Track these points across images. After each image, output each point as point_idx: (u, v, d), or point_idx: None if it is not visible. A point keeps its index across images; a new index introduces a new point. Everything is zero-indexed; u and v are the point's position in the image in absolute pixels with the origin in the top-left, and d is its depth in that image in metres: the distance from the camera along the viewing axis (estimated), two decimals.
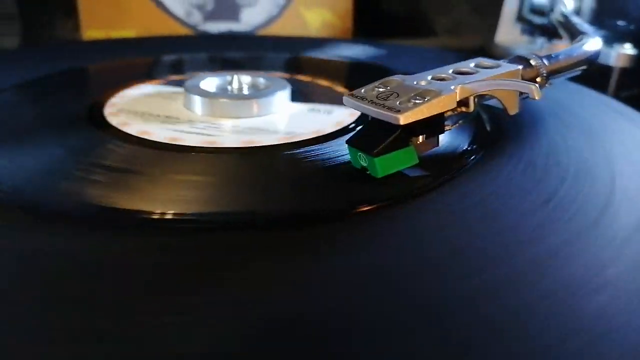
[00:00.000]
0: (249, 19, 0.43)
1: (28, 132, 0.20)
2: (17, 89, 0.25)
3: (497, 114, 0.22)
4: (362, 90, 0.17)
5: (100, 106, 0.22)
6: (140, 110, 0.22)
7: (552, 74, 0.20)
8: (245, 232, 0.14)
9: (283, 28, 0.44)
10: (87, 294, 0.11)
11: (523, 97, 0.18)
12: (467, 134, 0.20)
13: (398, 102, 0.16)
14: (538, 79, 0.19)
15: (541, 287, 0.12)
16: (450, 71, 0.18)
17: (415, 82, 0.17)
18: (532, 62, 0.19)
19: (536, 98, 0.16)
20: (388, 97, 0.16)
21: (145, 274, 0.12)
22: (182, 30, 0.42)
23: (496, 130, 0.21)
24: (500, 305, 0.11)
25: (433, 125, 0.17)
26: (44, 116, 0.22)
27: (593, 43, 0.23)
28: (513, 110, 0.18)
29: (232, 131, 0.20)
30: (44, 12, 0.42)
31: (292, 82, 0.24)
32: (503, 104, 0.18)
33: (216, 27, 0.42)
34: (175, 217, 0.14)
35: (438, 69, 0.18)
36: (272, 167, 0.18)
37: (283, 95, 0.23)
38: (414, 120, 0.15)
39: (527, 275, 0.13)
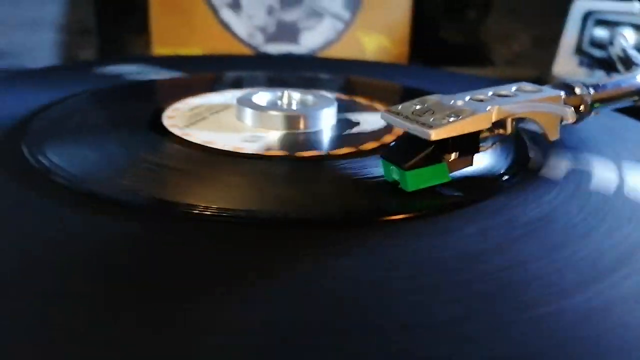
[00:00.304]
0: (308, 42, 0.45)
1: (104, 133, 0.22)
2: (91, 95, 0.27)
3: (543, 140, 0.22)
4: (400, 107, 0.17)
5: (159, 113, 0.24)
6: (194, 120, 0.23)
7: (598, 102, 0.20)
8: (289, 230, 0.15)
9: (340, 51, 0.45)
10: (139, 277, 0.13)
11: (563, 123, 0.18)
12: (508, 157, 0.20)
13: (432, 119, 0.16)
14: (582, 107, 0.19)
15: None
16: (490, 93, 0.18)
17: (452, 102, 0.17)
18: (577, 89, 0.19)
19: (570, 121, 0.16)
20: (423, 113, 0.17)
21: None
22: (245, 51, 0.44)
23: (539, 156, 0.21)
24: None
25: (467, 144, 0.17)
26: (112, 120, 0.24)
27: None
28: (553, 135, 0.18)
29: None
30: (120, 29, 0.46)
31: (341, 101, 0.25)
32: (543, 129, 0.18)
33: (276, 48, 0.44)
34: (230, 213, 0.16)
35: (478, 91, 0.18)
36: (310, 175, 0.19)
37: (329, 111, 0.24)
38: (445, 136, 0.16)
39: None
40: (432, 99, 0.18)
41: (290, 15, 0.44)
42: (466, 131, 0.16)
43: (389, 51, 0.46)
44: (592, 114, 0.20)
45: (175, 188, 0.17)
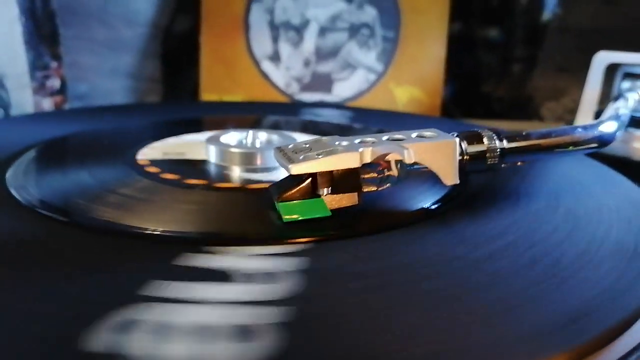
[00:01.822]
0: (341, 92, 0.47)
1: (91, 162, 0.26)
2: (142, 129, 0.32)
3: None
4: (291, 145, 0.19)
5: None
6: (169, 152, 0.26)
7: (516, 152, 0.20)
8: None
9: (371, 101, 0.46)
10: None
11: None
12: (430, 193, 0.20)
13: (302, 156, 0.17)
14: (488, 156, 0.19)
15: None
16: (385, 137, 0.19)
17: (337, 142, 0.18)
18: (484, 139, 0.19)
19: (406, 162, 0.16)
20: (301, 151, 0.18)
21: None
22: (281, 98, 0.47)
23: (464, 194, 0.21)
24: None
25: (345, 182, 0.18)
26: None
27: (606, 125, 0.21)
28: (450, 180, 0.18)
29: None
30: (178, 78, 0.51)
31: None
32: (436, 173, 0.18)
33: (310, 97, 0.47)
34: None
35: (378, 134, 0.19)
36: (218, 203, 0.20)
37: None
38: (305, 172, 0.17)
39: None
40: (323, 139, 0.19)
41: (325, 67, 0.47)
42: (328, 168, 0.17)
43: (421, 102, 0.47)
44: (504, 165, 0.19)
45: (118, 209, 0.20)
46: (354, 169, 0.17)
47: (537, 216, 0.19)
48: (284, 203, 0.17)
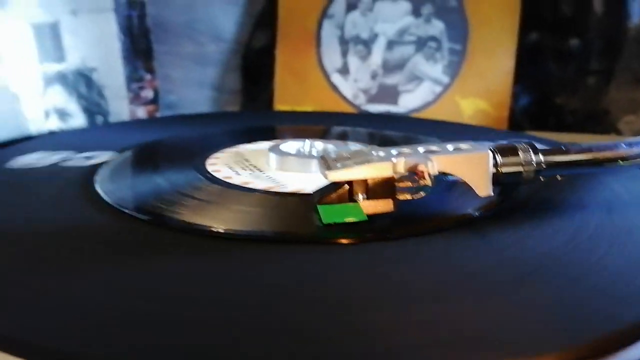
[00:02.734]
0: (406, 103, 0.47)
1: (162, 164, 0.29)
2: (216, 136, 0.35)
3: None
4: (333, 154, 0.20)
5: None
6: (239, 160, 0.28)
7: (554, 167, 0.20)
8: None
9: (437, 113, 0.47)
10: None
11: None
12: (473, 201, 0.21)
13: (340, 164, 0.19)
14: (523, 170, 0.19)
15: None
16: (421, 149, 0.20)
17: (375, 152, 0.19)
18: (520, 152, 0.19)
19: (430, 173, 0.17)
20: (342, 159, 0.19)
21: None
22: (349, 109, 0.48)
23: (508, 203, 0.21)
24: None
25: (380, 190, 0.19)
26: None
27: None
28: (483, 191, 0.19)
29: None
30: (256, 89, 0.54)
31: None
32: (468, 184, 0.19)
33: (376, 108, 0.48)
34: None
35: (414, 145, 0.20)
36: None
37: None
38: (341, 179, 0.18)
39: None
40: (364, 149, 0.20)
41: (392, 79, 0.48)
42: (362, 177, 0.18)
43: (487, 115, 0.46)
44: (541, 178, 0.20)
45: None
46: (389, 177, 0.19)
47: (578, 230, 0.19)
48: (323, 206, 0.19)
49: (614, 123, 0.50)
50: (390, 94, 0.48)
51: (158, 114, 0.55)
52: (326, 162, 0.19)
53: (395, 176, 0.19)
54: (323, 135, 0.37)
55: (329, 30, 0.48)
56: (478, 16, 0.46)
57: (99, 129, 0.40)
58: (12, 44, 0.35)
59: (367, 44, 0.48)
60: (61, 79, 0.39)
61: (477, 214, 0.21)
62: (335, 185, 0.19)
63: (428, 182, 0.19)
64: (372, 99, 0.48)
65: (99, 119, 0.43)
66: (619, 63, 0.49)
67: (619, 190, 0.24)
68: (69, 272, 0.16)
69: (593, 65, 0.51)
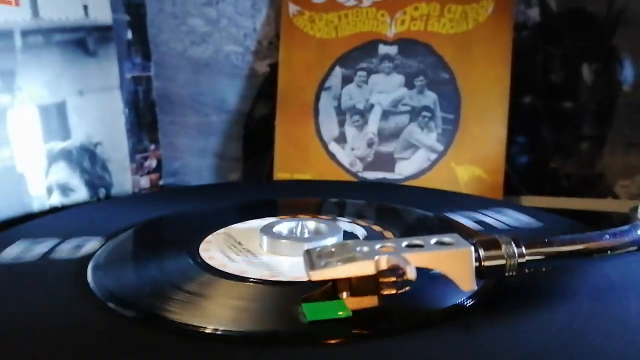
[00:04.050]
0: (403, 170, 0.48)
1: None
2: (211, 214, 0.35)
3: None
4: (318, 248, 0.20)
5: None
6: (230, 242, 0.28)
7: (536, 260, 0.19)
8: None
9: (432, 180, 0.47)
10: None
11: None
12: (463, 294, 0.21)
13: (324, 262, 0.18)
14: (506, 263, 0.19)
15: None
16: (404, 244, 0.19)
17: (359, 248, 0.19)
18: (502, 245, 0.19)
19: (410, 278, 0.16)
20: (326, 256, 0.19)
21: None
22: (346, 176, 0.49)
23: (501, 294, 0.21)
24: None
25: (363, 286, 0.19)
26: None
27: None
28: (467, 286, 0.19)
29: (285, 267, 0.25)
30: (257, 158, 0.55)
31: (366, 230, 0.28)
32: (451, 279, 0.19)
33: (373, 175, 0.48)
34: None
35: (399, 239, 0.20)
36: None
37: (332, 240, 0.27)
38: (324, 278, 0.18)
39: None
40: (349, 243, 0.20)
41: (388, 147, 0.48)
42: (347, 275, 0.18)
43: (483, 181, 0.46)
44: (526, 270, 0.19)
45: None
46: (372, 274, 0.18)
47: (569, 322, 0.19)
48: (307, 304, 0.19)
49: (610, 187, 0.49)
50: (386, 161, 0.48)
51: (161, 182, 0.55)
52: (310, 258, 0.19)
53: (378, 273, 0.18)
54: (319, 209, 0.37)
55: (326, 101, 0.49)
56: (469, 87, 0.47)
57: (88, 209, 0.39)
58: (19, 126, 0.36)
59: (363, 113, 0.49)
60: (65, 155, 0.40)
61: (464, 304, 0.20)
62: (319, 283, 0.19)
63: (411, 277, 0.19)
64: (369, 167, 0.49)
65: (102, 192, 0.44)
66: (611, 128, 0.49)
67: (609, 273, 0.23)
68: None
69: (586, 130, 0.51)
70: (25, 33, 0.36)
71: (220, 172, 0.56)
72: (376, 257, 0.18)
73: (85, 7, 0.41)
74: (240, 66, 0.53)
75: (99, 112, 0.43)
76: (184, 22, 0.53)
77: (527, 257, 0.19)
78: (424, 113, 0.47)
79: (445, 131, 0.47)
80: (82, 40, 0.41)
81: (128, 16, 0.48)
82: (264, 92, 0.53)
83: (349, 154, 0.49)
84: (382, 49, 0.48)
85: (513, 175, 0.50)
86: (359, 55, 0.49)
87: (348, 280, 0.18)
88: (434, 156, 0.47)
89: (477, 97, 0.47)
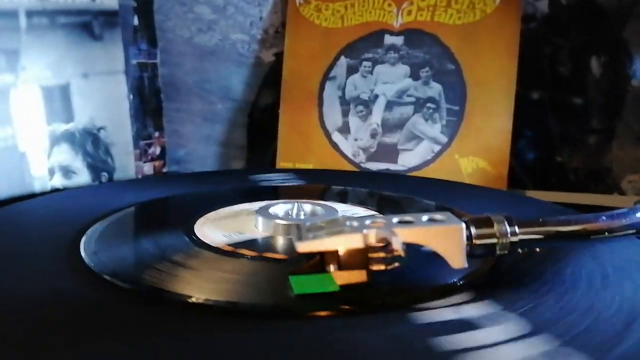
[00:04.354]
0: (406, 162, 0.47)
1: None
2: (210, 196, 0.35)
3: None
4: (308, 223, 0.20)
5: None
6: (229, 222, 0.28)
7: (529, 240, 0.19)
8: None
9: (436, 172, 0.46)
10: None
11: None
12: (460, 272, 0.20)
13: (312, 235, 0.18)
14: (497, 242, 0.19)
15: None
16: (395, 220, 0.19)
17: (347, 222, 0.19)
18: (495, 224, 0.19)
19: (396, 250, 0.16)
20: (315, 229, 0.19)
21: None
22: (349, 167, 0.48)
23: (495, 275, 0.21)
24: None
25: (351, 260, 0.18)
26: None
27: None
28: (457, 263, 0.18)
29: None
30: (261, 146, 0.55)
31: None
32: (442, 255, 0.18)
33: (376, 166, 0.48)
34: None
35: (390, 216, 0.19)
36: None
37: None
38: (311, 250, 0.18)
39: None
40: (339, 218, 0.20)
41: (391, 138, 0.48)
42: (334, 247, 0.18)
43: (487, 173, 0.46)
44: (519, 250, 0.19)
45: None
46: (360, 248, 0.18)
47: (565, 306, 0.18)
48: (294, 277, 0.18)
49: (617, 182, 0.49)
50: (389, 152, 0.48)
51: (165, 169, 0.55)
52: (299, 232, 0.19)
53: (368, 247, 0.18)
54: (321, 195, 0.37)
55: (330, 91, 0.49)
56: (475, 78, 0.46)
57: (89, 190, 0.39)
58: (22, 105, 0.36)
59: (367, 104, 0.48)
60: (68, 137, 0.40)
61: (456, 284, 0.20)
62: (307, 256, 0.19)
63: (401, 252, 0.18)
64: (372, 157, 0.48)
65: (105, 176, 0.44)
66: (620, 122, 0.48)
67: (608, 257, 0.23)
68: (42, 344, 0.16)
69: (594, 124, 0.50)
70: (30, 14, 0.36)
71: (225, 160, 0.56)
72: (364, 231, 0.18)
73: None
74: (246, 54, 0.53)
75: (103, 96, 0.43)
76: (191, 9, 0.53)
77: (520, 237, 0.19)
78: (429, 104, 0.47)
79: (449, 123, 0.46)
80: (87, 24, 0.41)
81: (135, 2, 0.48)
82: (269, 80, 0.53)
83: (352, 144, 0.48)
84: (388, 39, 0.48)
85: (518, 168, 0.50)
86: (365, 45, 0.48)
87: (336, 253, 0.18)
88: (437, 148, 0.47)
89: (483, 89, 0.46)
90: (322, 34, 0.49)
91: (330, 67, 0.49)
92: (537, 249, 0.19)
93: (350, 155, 0.48)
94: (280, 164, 0.50)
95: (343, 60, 0.49)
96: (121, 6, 0.45)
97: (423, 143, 0.47)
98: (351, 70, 0.48)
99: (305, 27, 0.49)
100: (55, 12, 0.38)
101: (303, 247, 0.18)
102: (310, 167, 0.49)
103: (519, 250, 0.19)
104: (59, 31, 0.39)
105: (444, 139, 0.47)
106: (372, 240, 0.18)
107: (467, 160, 0.46)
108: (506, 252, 0.19)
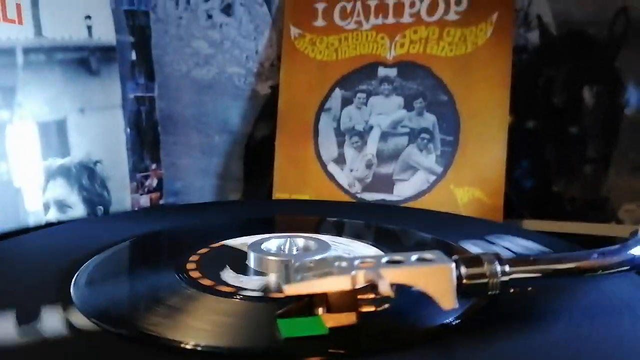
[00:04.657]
0: (402, 192, 0.47)
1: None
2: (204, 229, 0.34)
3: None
4: (297, 263, 0.19)
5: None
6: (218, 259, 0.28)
7: (520, 279, 0.19)
8: None
9: (432, 202, 0.46)
10: None
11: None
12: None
13: (300, 276, 0.18)
14: (488, 281, 0.18)
15: None
16: (384, 260, 0.19)
17: (337, 263, 0.19)
18: (485, 264, 0.18)
19: (384, 293, 0.16)
20: (304, 270, 0.18)
21: None
22: (345, 197, 0.48)
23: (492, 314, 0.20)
24: None
25: (340, 303, 0.18)
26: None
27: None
28: (447, 304, 0.18)
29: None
30: (257, 178, 0.55)
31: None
32: (432, 297, 0.18)
33: (372, 196, 0.48)
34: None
35: (379, 256, 0.19)
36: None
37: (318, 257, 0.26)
38: (299, 292, 0.17)
39: None
40: (328, 258, 0.19)
41: (387, 169, 0.48)
42: (323, 290, 0.17)
43: (482, 203, 0.46)
44: (511, 290, 0.19)
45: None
46: (349, 290, 0.18)
47: (558, 344, 0.18)
48: (282, 320, 0.18)
49: (614, 211, 0.48)
50: (385, 182, 0.48)
51: (162, 201, 0.55)
52: (287, 272, 0.18)
53: (356, 289, 0.18)
54: (316, 227, 0.36)
55: (326, 123, 0.49)
56: (468, 109, 0.46)
57: (81, 224, 0.39)
58: (18, 141, 0.36)
59: (362, 135, 0.48)
60: (64, 171, 0.40)
61: (447, 324, 0.19)
62: (296, 298, 0.18)
63: (390, 293, 0.18)
64: (367, 188, 0.48)
65: (100, 210, 0.44)
66: (616, 150, 0.48)
67: (602, 293, 0.22)
68: None
69: (590, 153, 0.50)
70: (27, 51, 0.36)
71: (222, 193, 0.56)
72: (353, 272, 0.18)
73: (89, 28, 0.42)
74: (243, 87, 0.54)
75: (100, 130, 0.44)
76: (188, 44, 0.54)
77: (512, 276, 0.18)
78: (423, 135, 0.47)
79: (444, 153, 0.46)
80: (84, 60, 0.42)
81: (132, 37, 0.49)
82: (265, 113, 0.53)
83: (348, 175, 0.48)
84: (382, 72, 0.48)
85: (515, 198, 0.49)
86: (359, 78, 0.49)
87: (324, 295, 0.18)
88: (432, 178, 0.47)
89: (477, 120, 0.46)
90: (317, 66, 0.49)
91: (325, 99, 0.49)
92: (529, 288, 0.19)
93: (346, 186, 0.48)
94: (276, 195, 0.50)
95: (338, 92, 0.49)
96: (119, 42, 0.46)
97: (418, 173, 0.47)
98: (346, 102, 0.49)
99: (300, 60, 0.50)
100: (52, 48, 0.38)
101: (291, 289, 0.17)
102: (307, 198, 0.49)
103: (511, 290, 0.19)
104: (56, 67, 0.39)
105: (439, 169, 0.46)
106: (361, 282, 0.17)
107: (462, 191, 0.46)
108: (497, 291, 0.18)
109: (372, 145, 0.48)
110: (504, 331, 0.19)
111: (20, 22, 0.35)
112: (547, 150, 0.51)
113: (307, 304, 0.18)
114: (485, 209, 0.45)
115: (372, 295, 0.18)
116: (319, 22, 0.49)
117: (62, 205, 0.40)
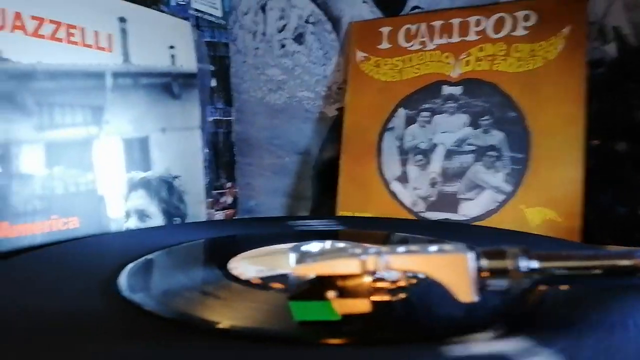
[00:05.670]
0: (467, 211, 0.45)
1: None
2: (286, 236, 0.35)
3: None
4: (309, 248, 0.19)
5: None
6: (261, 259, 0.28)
7: (549, 275, 0.17)
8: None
9: (500, 222, 0.43)
10: None
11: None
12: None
13: (310, 259, 0.17)
14: (510, 276, 0.17)
15: None
16: (402, 249, 0.18)
17: (350, 249, 0.18)
18: (508, 259, 0.17)
19: (381, 272, 0.15)
20: (314, 255, 0.18)
21: None
22: (408, 216, 0.47)
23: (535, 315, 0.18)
24: None
25: (350, 288, 0.17)
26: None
27: None
28: (464, 296, 0.17)
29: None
30: (324, 196, 0.55)
31: None
32: (448, 288, 0.17)
33: (436, 215, 0.46)
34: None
35: (396, 245, 0.18)
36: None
37: None
38: (305, 273, 0.17)
39: None
40: (343, 246, 0.19)
41: (451, 187, 0.46)
42: (330, 272, 0.17)
43: (557, 225, 0.42)
44: (543, 285, 0.17)
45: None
46: (362, 277, 0.17)
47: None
48: (294, 302, 0.18)
49: None
50: (450, 201, 0.46)
51: (236, 218, 0.57)
52: (300, 257, 0.18)
53: (367, 275, 0.17)
54: (366, 239, 0.36)
55: (389, 142, 0.49)
56: (539, 126, 0.43)
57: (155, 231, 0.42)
58: (103, 154, 0.40)
59: (426, 153, 0.47)
60: (145, 184, 0.44)
61: (466, 323, 0.18)
62: (310, 282, 0.18)
63: (404, 283, 0.17)
64: (431, 207, 0.46)
65: (177, 221, 0.46)
66: None
67: None
68: None
69: None
70: (115, 75, 0.40)
71: (291, 210, 0.57)
72: (362, 257, 0.17)
73: (173, 57, 0.46)
74: (312, 110, 0.55)
75: (179, 149, 0.47)
76: (263, 72, 0.57)
77: (539, 272, 0.17)
78: (490, 152, 0.45)
79: (514, 171, 0.44)
80: (167, 85, 0.45)
81: (213, 66, 0.52)
82: (332, 134, 0.54)
83: (411, 194, 0.47)
84: (446, 90, 0.47)
85: (595, 221, 0.45)
86: (422, 96, 0.48)
87: (334, 279, 0.17)
88: (501, 197, 0.44)
89: (548, 137, 0.43)
90: (381, 87, 0.49)
91: (389, 118, 0.49)
92: (562, 287, 0.17)
93: (409, 205, 0.47)
94: (340, 213, 0.50)
95: (401, 112, 0.48)
96: (200, 69, 0.50)
97: (485, 192, 0.44)
98: (409, 121, 0.48)
99: (365, 82, 0.50)
100: (138, 74, 0.42)
101: (298, 269, 0.17)
102: (370, 215, 0.48)
103: (538, 287, 0.17)
104: (141, 91, 0.43)
105: (508, 188, 0.44)
106: (370, 267, 0.17)
107: (534, 211, 0.43)
108: (522, 287, 0.17)
109: (437, 163, 0.46)
110: (530, 335, 0.17)
111: (110, 50, 0.40)
112: (631, 171, 0.46)
113: (318, 287, 0.18)
114: (560, 231, 0.42)
115: (388, 284, 0.17)
116: (384, 45, 0.50)
117: (142, 215, 0.43)
